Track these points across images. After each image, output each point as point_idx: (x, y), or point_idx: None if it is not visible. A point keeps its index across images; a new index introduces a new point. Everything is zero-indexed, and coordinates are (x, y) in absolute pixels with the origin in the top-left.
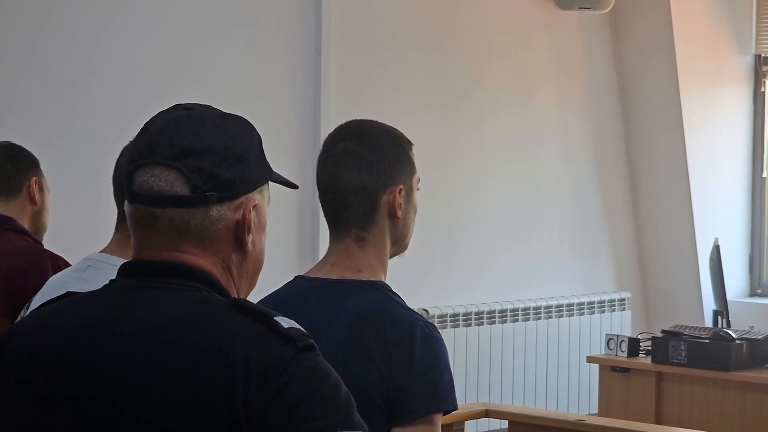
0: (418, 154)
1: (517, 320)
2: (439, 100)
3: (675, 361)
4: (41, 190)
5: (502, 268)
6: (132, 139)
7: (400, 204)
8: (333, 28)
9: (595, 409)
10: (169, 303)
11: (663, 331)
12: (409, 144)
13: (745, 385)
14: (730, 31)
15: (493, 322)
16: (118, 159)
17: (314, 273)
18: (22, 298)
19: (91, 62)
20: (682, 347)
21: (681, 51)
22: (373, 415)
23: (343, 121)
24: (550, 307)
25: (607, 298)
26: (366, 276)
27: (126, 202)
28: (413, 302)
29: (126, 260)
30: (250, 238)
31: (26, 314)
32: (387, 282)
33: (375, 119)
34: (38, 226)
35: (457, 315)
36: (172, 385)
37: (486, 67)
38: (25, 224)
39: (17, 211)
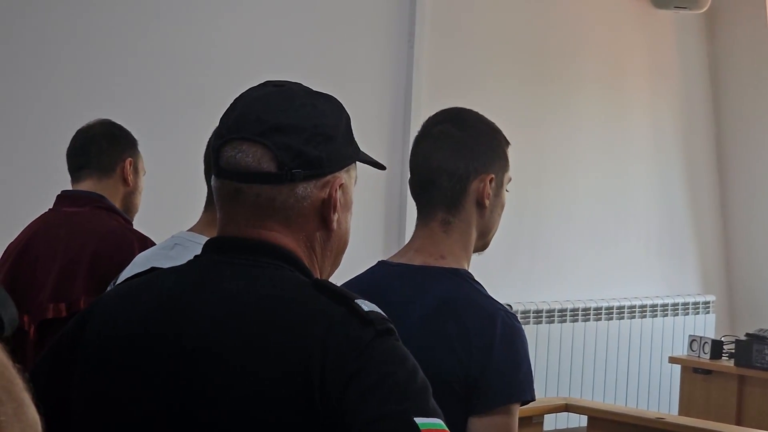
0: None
1: (600, 319)
2: (531, 96)
3: (758, 365)
4: (136, 171)
5: (587, 266)
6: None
7: (489, 194)
8: (427, 19)
9: (675, 410)
10: (252, 280)
11: (747, 335)
12: (507, 141)
13: None
14: None
15: (576, 320)
16: (209, 139)
17: (398, 258)
18: (108, 278)
19: (185, 49)
20: (766, 351)
21: None
22: (451, 403)
23: (433, 112)
24: (634, 307)
25: (691, 300)
26: (449, 263)
27: (213, 176)
28: (496, 297)
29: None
30: (335, 217)
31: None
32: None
33: (464, 103)
34: (129, 207)
35: (540, 311)
36: (251, 361)
37: (580, 64)
38: (117, 204)
39: (109, 191)
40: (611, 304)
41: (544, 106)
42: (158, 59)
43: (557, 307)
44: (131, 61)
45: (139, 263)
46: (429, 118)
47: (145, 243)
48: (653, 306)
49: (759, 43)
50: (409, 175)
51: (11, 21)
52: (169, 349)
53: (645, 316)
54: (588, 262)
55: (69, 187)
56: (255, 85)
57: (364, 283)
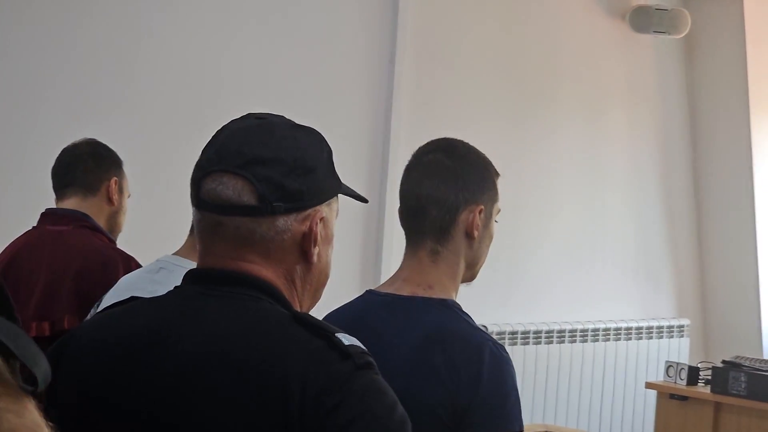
0: None
1: (575, 341)
2: (509, 117)
3: (734, 392)
4: (120, 191)
5: (563, 288)
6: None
7: (478, 225)
8: (408, 41)
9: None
10: (231, 312)
11: (723, 362)
12: (496, 172)
13: None
14: None
15: (551, 342)
16: (197, 162)
17: (385, 288)
18: (92, 297)
19: (170, 67)
20: (743, 378)
21: (754, 80)
22: None
23: (412, 133)
24: (609, 330)
25: (666, 324)
26: (437, 293)
27: (194, 208)
28: (472, 317)
29: (195, 263)
30: (315, 251)
31: (96, 312)
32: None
33: (444, 133)
34: (113, 226)
35: (516, 333)
36: (228, 394)
37: (557, 86)
38: (101, 223)
39: (93, 210)
40: (586, 326)
41: (523, 129)
42: (144, 79)
43: (533, 329)
44: (118, 81)
45: (124, 287)
46: (420, 147)
47: (129, 263)
48: (628, 329)
49: (737, 68)
50: (399, 204)
51: None
52: (149, 380)
53: (620, 339)
54: (564, 284)
55: (53, 205)
56: (237, 115)
57: (351, 313)
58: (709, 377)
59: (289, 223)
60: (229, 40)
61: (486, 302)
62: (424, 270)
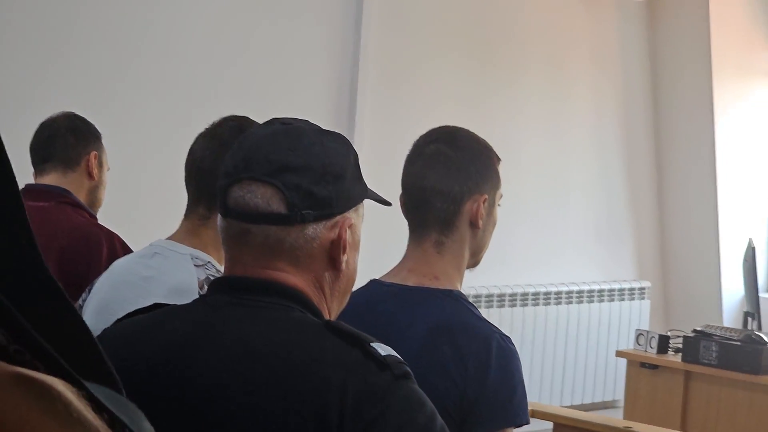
0: None
1: (537, 304)
2: (474, 82)
3: (705, 361)
4: (100, 165)
5: (526, 251)
6: (207, 128)
7: (482, 214)
8: (373, 13)
9: (610, 396)
10: (263, 323)
11: (694, 331)
12: (498, 158)
13: None
14: (765, 25)
15: (515, 305)
16: (192, 146)
17: (390, 278)
18: (75, 274)
19: (149, 45)
20: (713, 348)
21: (716, 43)
22: (447, 426)
23: (378, 107)
24: (571, 292)
25: (627, 286)
26: (442, 284)
27: (219, 216)
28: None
29: (193, 249)
30: (344, 258)
31: (87, 296)
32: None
33: (410, 106)
34: (93, 201)
35: (479, 296)
36: (263, 407)
37: (522, 49)
38: (81, 198)
39: (74, 185)
40: (549, 289)
41: (487, 91)
42: (130, 56)
43: (496, 292)
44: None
45: (117, 272)
46: (421, 136)
47: (112, 238)
48: (590, 291)
49: (699, 31)
50: (402, 195)
51: None
52: (180, 392)
53: (582, 302)
54: (527, 247)
55: (32, 181)
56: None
57: (357, 303)
58: (679, 346)
59: (318, 231)
60: (192, 10)
61: None
62: (430, 261)
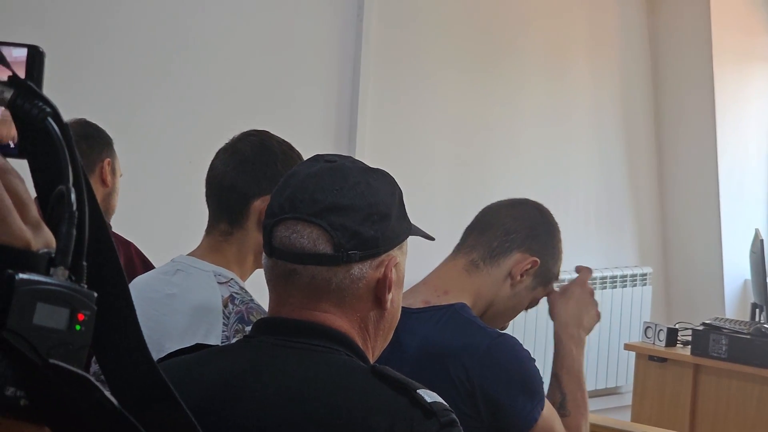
0: (450, 124)
1: None
2: (473, 67)
3: (715, 354)
4: (113, 172)
5: None
6: (227, 143)
7: (524, 273)
8: (374, 8)
9: (612, 383)
10: (309, 366)
11: (703, 324)
12: (561, 259)
13: None
14: (766, 11)
15: None
16: (212, 161)
17: (403, 299)
18: None
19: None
20: (723, 341)
21: (717, 28)
22: None
23: (379, 92)
24: (573, 279)
25: (629, 272)
26: (449, 299)
27: (264, 255)
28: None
29: (215, 265)
30: (389, 296)
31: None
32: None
33: (412, 87)
34: (107, 208)
35: None
36: None
37: (521, 35)
38: None
39: None
40: None
41: (487, 78)
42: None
43: None
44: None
45: (140, 287)
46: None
47: (128, 248)
48: (592, 278)
49: (699, 18)
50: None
51: None
52: None
53: None
54: None
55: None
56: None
57: None
58: (688, 338)
59: (365, 271)
60: (196, 5)
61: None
62: (451, 275)
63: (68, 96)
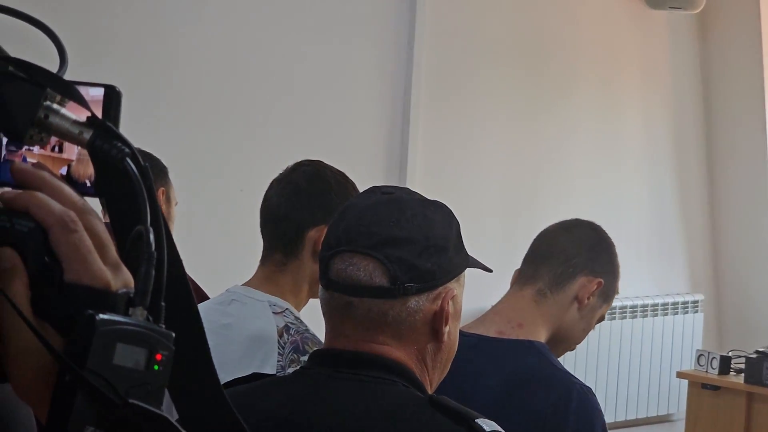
0: (501, 155)
1: None
2: (526, 96)
3: None
4: (168, 200)
5: None
6: (281, 174)
7: (590, 296)
8: (426, 28)
9: (664, 410)
10: (367, 397)
11: (757, 352)
12: (618, 277)
13: None
14: None
15: None
16: (266, 192)
17: (474, 327)
18: None
19: (197, 68)
20: None
21: None
22: None
23: (431, 123)
24: (625, 307)
25: (681, 300)
26: (525, 333)
27: (321, 287)
28: (489, 297)
29: (270, 295)
30: (446, 330)
31: None
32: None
33: (463, 119)
34: None
35: None
36: None
37: (575, 63)
38: None
39: None
40: None
41: (538, 106)
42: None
43: None
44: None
45: None
46: (570, 219)
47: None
48: (644, 306)
49: (751, 44)
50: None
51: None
52: None
53: (636, 316)
54: None
55: None
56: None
57: None
58: (741, 366)
59: (421, 304)
60: (250, 36)
61: (505, 279)
62: (522, 307)
63: (123, 125)
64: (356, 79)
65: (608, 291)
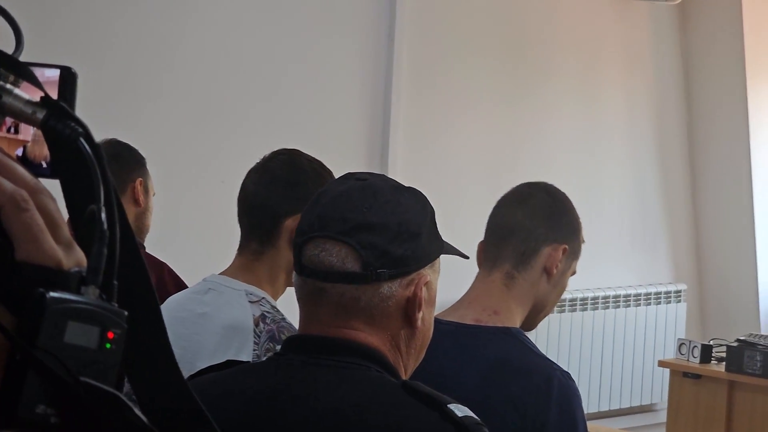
0: (482, 142)
1: (574, 310)
2: (506, 88)
3: (750, 371)
4: (146, 191)
5: None
6: (258, 163)
7: (558, 265)
8: (406, 16)
9: (647, 400)
10: (340, 383)
11: (738, 340)
12: (583, 239)
13: None
14: None
15: (551, 311)
16: (243, 181)
17: (449, 314)
18: None
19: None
20: (758, 358)
21: (750, 46)
22: None
23: (412, 112)
24: (608, 297)
25: (663, 289)
26: (502, 319)
27: (294, 273)
28: (468, 285)
29: (247, 284)
30: (420, 315)
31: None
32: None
33: (444, 109)
34: (140, 228)
35: None
36: None
37: (554, 55)
38: None
39: None
40: (585, 294)
41: (520, 95)
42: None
43: None
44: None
45: (172, 308)
46: (516, 186)
47: (161, 269)
48: (627, 296)
49: (732, 33)
50: (486, 235)
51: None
52: None
53: (619, 306)
54: None
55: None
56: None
57: None
58: (722, 355)
59: (394, 289)
60: (229, 28)
61: None
62: (494, 293)
63: (101, 116)
64: (337, 68)
65: (575, 249)
